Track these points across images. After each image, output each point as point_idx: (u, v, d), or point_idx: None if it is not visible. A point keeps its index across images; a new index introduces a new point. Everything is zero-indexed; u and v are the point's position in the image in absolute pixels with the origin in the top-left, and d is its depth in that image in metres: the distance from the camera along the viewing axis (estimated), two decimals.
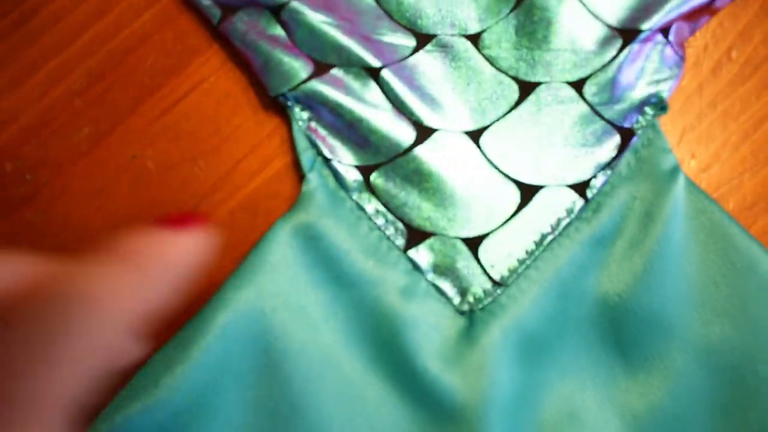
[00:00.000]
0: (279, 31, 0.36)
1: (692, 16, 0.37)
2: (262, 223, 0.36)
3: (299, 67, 0.35)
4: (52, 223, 0.35)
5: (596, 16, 0.36)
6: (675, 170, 0.35)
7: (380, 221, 0.35)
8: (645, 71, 0.36)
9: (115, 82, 0.37)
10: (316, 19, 0.35)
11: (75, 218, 0.36)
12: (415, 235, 0.35)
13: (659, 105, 0.36)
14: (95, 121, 0.36)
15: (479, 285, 0.35)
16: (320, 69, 0.35)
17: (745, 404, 0.33)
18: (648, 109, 0.36)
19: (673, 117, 0.38)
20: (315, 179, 0.35)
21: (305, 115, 0.36)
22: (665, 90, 0.36)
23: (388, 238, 0.35)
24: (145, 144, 0.36)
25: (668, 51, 0.37)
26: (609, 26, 0.36)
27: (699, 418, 0.33)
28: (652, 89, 0.36)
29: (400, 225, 0.35)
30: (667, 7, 0.36)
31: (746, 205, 0.38)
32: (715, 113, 0.39)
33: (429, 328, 0.34)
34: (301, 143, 0.36)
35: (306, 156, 0.35)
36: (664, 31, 0.37)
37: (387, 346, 0.34)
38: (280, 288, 0.33)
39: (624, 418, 0.33)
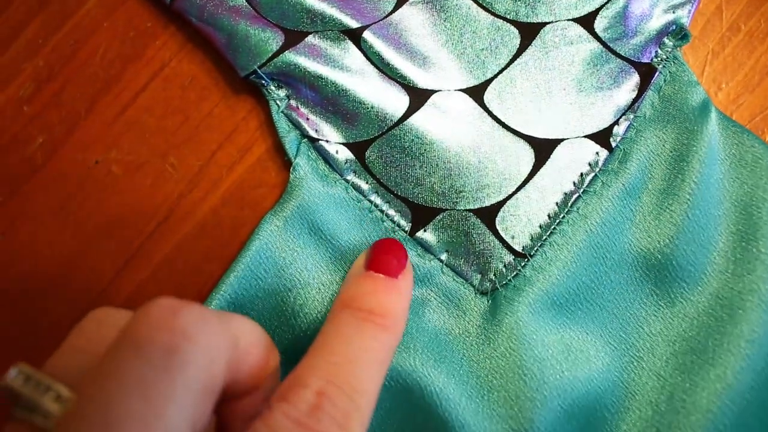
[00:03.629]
0: (241, 0, 0.32)
1: None
2: (250, 215, 0.32)
3: (268, 39, 0.31)
4: (17, 247, 0.32)
5: None
6: (705, 104, 0.32)
7: (380, 202, 0.31)
8: None
9: (67, 81, 0.33)
10: None
11: (41, 238, 0.32)
12: (422, 214, 0.31)
13: (679, 34, 0.32)
14: (49, 128, 0.32)
15: (499, 259, 0.31)
16: (292, 38, 0.31)
17: None
18: (667, 40, 0.32)
19: (692, 46, 0.34)
20: (303, 164, 0.31)
21: (283, 93, 0.32)
22: (684, 16, 0.32)
23: (392, 220, 0.31)
24: (107, 146, 0.32)
25: None
26: None
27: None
28: (670, 16, 0.32)
29: (403, 205, 0.31)
30: None
31: None
32: (739, 36, 0.35)
33: (448, 314, 0.31)
34: (283, 126, 0.32)
35: (290, 139, 0.32)
36: None
37: (406, 336, 0.30)
38: (278, 287, 0.30)
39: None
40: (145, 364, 0.19)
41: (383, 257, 0.27)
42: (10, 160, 0.32)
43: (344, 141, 0.32)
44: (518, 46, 0.32)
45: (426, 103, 0.31)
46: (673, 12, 0.32)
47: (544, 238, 0.31)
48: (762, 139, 0.32)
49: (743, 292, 0.30)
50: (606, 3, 0.32)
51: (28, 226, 0.32)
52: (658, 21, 0.32)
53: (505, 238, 0.31)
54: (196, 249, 0.32)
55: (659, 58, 0.32)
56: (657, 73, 0.32)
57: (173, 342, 0.19)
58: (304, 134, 0.32)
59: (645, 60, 0.32)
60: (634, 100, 0.32)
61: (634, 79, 0.32)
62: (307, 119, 0.32)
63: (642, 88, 0.32)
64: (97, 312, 0.22)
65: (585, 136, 0.31)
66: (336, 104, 0.31)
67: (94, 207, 0.32)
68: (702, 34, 0.35)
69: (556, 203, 0.31)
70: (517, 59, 0.32)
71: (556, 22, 0.32)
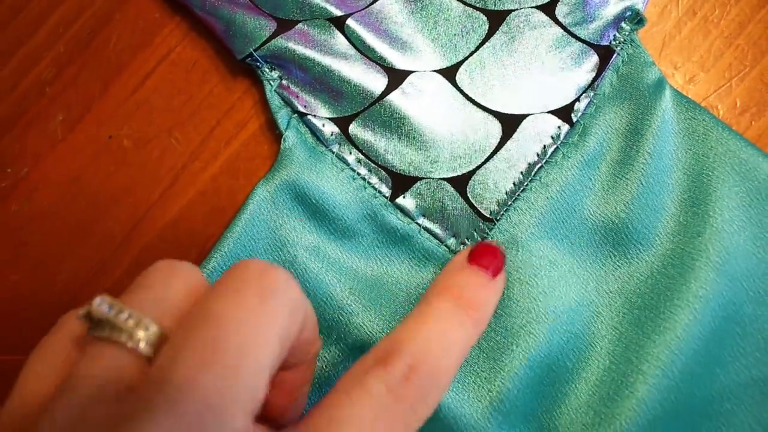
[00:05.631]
0: None
1: None
2: (245, 184, 0.35)
3: (262, 26, 0.35)
4: (37, 212, 0.35)
5: None
6: (660, 83, 0.34)
7: (363, 171, 0.34)
8: None
9: (84, 66, 0.37)
10: None
11: (59, 205, 0.35)
12: (401, 182, 0.34)
13: (635, 18, 0.35)
14: (68, 107, 0.36)
15: (470, 223, 0.34)
16: (284, 26, 0.35)
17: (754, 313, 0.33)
18: (624, 24, 0.35)
19: (651, 29, 0.37)
20: (292, 136, 0.34)
21: (275, 74, 0.35)
22: (639, 2, 0.35)
23: (374, 187, 0.34)
24: (119, 123, 0.36)
25: None
26: None
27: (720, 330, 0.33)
28: (626, 2, 0.35)
29: (384, 173, 0.34)
30: None
31: (738, 111, 0.37)
32: (694, 20, 0.38)
33: (425, 271, 0.34)
34: (275, 102, 0.35)
35: (281, 115, 0.35)
36: None
37: (387, 292, 0.33)
38: (270, 246, 0.33)
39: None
40: (240, 306, 0.20)
41: (486, 257, 0.29)
42: (34, 135, 0.36)
43: (330, 116, 0.35)
44: (487, 31, 0.35)
45: (403, 83, 0.35)
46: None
47: (509, 203, 0.34)
48: (713, 114, 0.35)
49: (692, 252, 0.33)
50: None
51: (49, 193, 0.36)
52: (615, 7, 0.35)
53: (474, 204, 0.34)
54: (197, 213, 0.35)
55: (617, 41, 0.35)
56: (615, 55, 0.35)
57: (265, 291, 0.21)
58: (294, 110, 0.35)
59: (604, 43, 0.35)
60: (594, 79, 0.35)
61: (594, 60, 0.35)
62: (297, 97, 0.35)
63: (601, 69, 0.35)
64: (159, 264, 0.23)
65: (548, 112, 0.35)
66: (323, 83, 0.35)
67: (107, 177, 0.36)
68: (660, 19, 0.38)
69: (521, 172, 0.34)
70: (486, 43, 0.35)
71: (521, 9, 0.35)
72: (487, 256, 0.29)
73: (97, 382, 0.19)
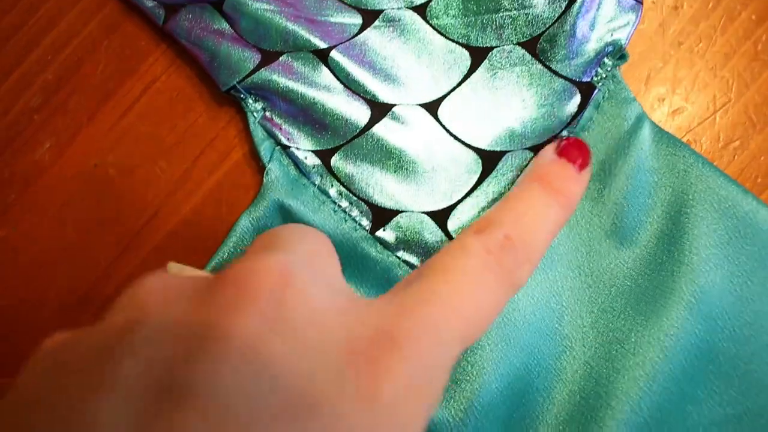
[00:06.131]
0: (223, 24, 0.35)
1: None
2: (227, 213, 0.36)
3: (247, 58, 0.35)
4: (25, 238, 0.36)
5: None
6: (640, 119, 0.35)
7: (344, 204, 0.35)
8: (599, 21, 0.35)
9: (72, 93, 0.37)
10: (259, 8, 0.35)
11: (46, 231, 0.36)
12: (381, 215, 0.35)
13: (618, 54, 0.35)
14: (56, 134, 0.37)
15: None
16: (268, 57, 0.35)
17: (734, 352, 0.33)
18: (607, 60, 0.35)
19: (637, 61, 0.37)
20: (276, 169, 0.35)
21: (259, 105, 0.36)
22: (623, 38, 0.35)
23: (354, 219, 0.35)
24: (105, 151, 0.37)
25: None
26: None
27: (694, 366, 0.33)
28: (609, 38, 0.35)
29: (365, 206, 0.35)
30: None
31: (721, 143, 0.37)
32: (679, 52, 0.38)
33: None
34: (258, 134, 0.35)
35: (264, 147, 0.35)
36: None
37: None
38: None
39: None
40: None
41: (574, 150, 0.31)
42: (22, 162, 0.37)
43: (313, 148, 0.35)
44: (469, 66, 0.35)
45: (386, 116, 0.35)
46: (612, 35, 0.35)
47: None
48: (695, 150, 0.35)
49: (666, 291, 0.33)
50: (549, 28, 0.35)
51: (35, 219, 0.36)
52: (597, 44, 0.35)
53: (454, 238, 0.35)
54: (181, 242, 0.36)
55: (599, 77, 0.35)
56: (596, 91, 0.35)
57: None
58: (277, 142, 0.35)
59: (586, 79, 0.35)
60: (574, 116, 0.35)
61: (575, 96, 0.35)
62: (281, 129, 0.35)
63: (582, 105, 0.35)
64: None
65: (527, 149, 0.35)
66: (306, 115, 0.35)
67: (93, 204, 0.36)
68: (646, 51, 0.38)
69: None
70: (468, 78, 0.35)
71: (503, 46, 0.35)
72: (576, 150, 0.31)
73: None
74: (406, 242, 0.35)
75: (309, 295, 0.20)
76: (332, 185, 0.35)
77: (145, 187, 0.36)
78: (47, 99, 0.37)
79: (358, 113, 0.35)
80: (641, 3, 0.36)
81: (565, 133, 0.35)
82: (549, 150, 0.32)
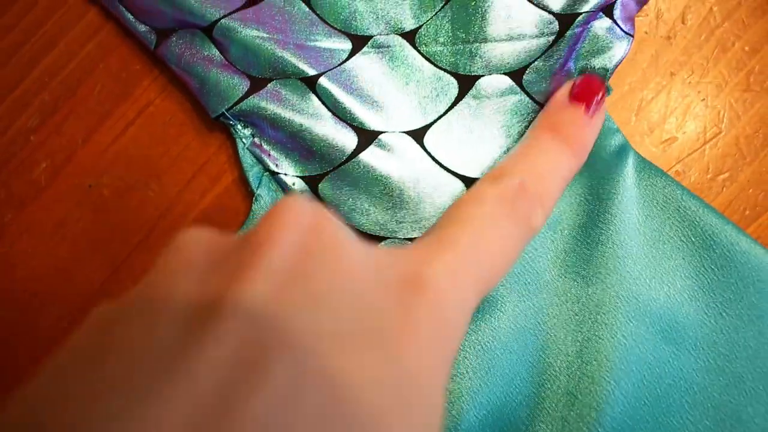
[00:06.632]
0: (213, 50, 0.36)
1: None
2: None
3: (236, 85, 0.36)
4: (21, 256, 0.37)
5: (533, 2, 0.35)
6: (623, 149, 0.35)
7: None
8: (587, 53, 0.35)
9: (68, 114, 0.38)
10: (249, 34, 0.35)
11: (42, 249, 0.37)
12: (367, 240, 0.35)
13: None
14: (52, 155, 0.38)
15: None
16: (257, 84, 0.36)
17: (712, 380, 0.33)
18: None
19: (628, 90, 0.38)
20: (265, 195, 0.36)
21: (248, 132, 0.36)
22: (609, 68, 0.35)
23: None
24: (99, 172, 0.37)
25: (613, 29, 0.35)
26: (546, 11, 0.35)
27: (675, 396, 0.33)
28: (595, 71, 0.35)
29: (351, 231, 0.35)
30: None
31: (710, 175, 0.37)
32: (672, 82, 0.38)
33: None
34: (247, 160, 0.36)
35: (253, 173, 0.36)
36: (607, 9, 0.35)
37: None
38: None
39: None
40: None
41: (586, 94, 0.32)
42: (19, 182, 0.38)
43: (301, 174, 0.36)
44: (456, 95, 0.36)
45: (373, 143, 0.36)
46: (598, 66, 0.35)
47: None
48: (679, 181, 0.35)
49: (643, 320, 0.34)
50: (536, 59, 0.35)
51: (31, 238, 0.37)
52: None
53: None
54: None
55: None
56: None
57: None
58: (266, 168, 0.36)
59: None
60: None
61: None
62: (269, 155, 0.36)
63: None
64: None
65: None
66: (294, 142, 0.36)
67: (87, 224, 0.37)
68: (639, 80, 0.38)
69: None
70: (455, 107, 0.36)
71: (490, 75, 0.36)
72: (588, 94, 0.32)
73: None
74: None
75: (341, 231, 0.21)
76: None
77: (138, 209, 0.37)
78: (44, 120, 0.38)
79: (345, 140, 0.36)
80: (631, 36, 0.36)
81: None
82: (562, 93, 0.33)
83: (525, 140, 0.31)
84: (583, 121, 0.31)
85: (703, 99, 0.37)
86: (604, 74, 0.35)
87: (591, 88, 0.32)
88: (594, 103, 0.32)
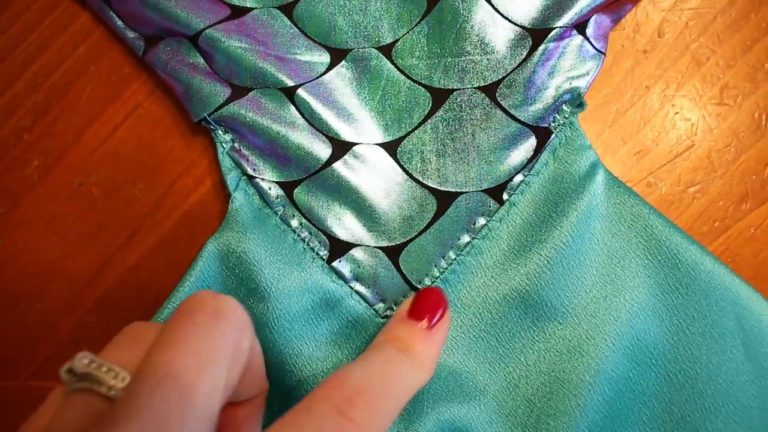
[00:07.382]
0: (198, 58, 0.37)
1: (612, 7, 0.37)
2: (200, 237, 0.38)
3: (217, 92, 0.37)
4: (13, 250, 0.39)
5: (506, 18, 0.36)
6: (593, 167, 0.36)
7: (304, 234, 0.37)
8: (559, 69, 0.36)
9: (60, 115, 0.40)
10: (232, 45, 0.37)
11: (33, 244, 0.39)
12: (338, 247, 0.37)
13: (576, 102, 0.36)
14: (43, 153, 0.39)
15: (400, 291, 0.36)
16: (238, 92, 0.37)
17: (672, 396, 0.34)
18: (565, 107, 0.36)
19: (602, 102, 0.38)
20: (240, 198, 0.37)
21: (228, 137, 0.37)
22: (582, 86, 0.36)
23: (312, 249, 0.37)
24: (89, 171, 0.39)
25: (584, 46, 0.36)
26: (519, 26, 0.36)
27: (632, 408, 0.35)
28: (568, 86, 0.36)
29: (323, 237, 0.37)
30: (579, 4, 0.35)
31: (681, 187, 0.38)
32: (646, 95, 0.38)
33: (350, 332, 0.36)
34: (226, 164, 0.37)
35: (231, 176, 0.37)
36: (580, 26, 0.36)
37: (313, 348, 0.36)
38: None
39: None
40: (193, 326, 0.22)
41: (425, 308, 0.32)
42: (12, 178, 0.39)
43: (277, 180, 0.37)
44: (430, 108, 0.37)
45: (347, 154, 0.37)
46: (571, 83, 0.36)
47: (438, 276, 0.36)
48: (645, 200, 0.36)
49: (608, 335, 0.35)
50: (509, 74, 0.36)
51: (23, 233, 0.39)
52: (556, 91, 0.36)
53: (405, 273, 0.36)
54: (156, 260, 0.39)
55: (557, 123, 0.36)
56: (553, 136, 0.36)
57: (215, 312, 0.23)
58: (243, 172, 0.37)
59: (543, 125, 0.36)
60: (530, 160, 0.36)
61: (531, 141, 0.36)
62: (247, 160, 0.37)
63: (538, 149, 0.36)
64: (129, 327, 0.26)
65: (481, 191, 0.36)
66: (271, 148, 0.37)
67: (76, 221, 0.39)
68: (615, 91, 0.38)
69: (451, 246, 0.36)
70: (428, 120, 0.37)
71: (464, 89, 0.36)
72: (427, 307, 0.32)
73: (76, 423, 0.21)
74: (360, 274, 0.36)
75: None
76: (294, 216, 0.37)
77: (126, 208, 0.39)
78: (37, 119, 0.40)
79: (320, 149, 0.37)
80: (603, 53, 0.36)
81: (519, 177, 0.36)
82: (402, 309, 0.32)
83: (366, 350, 0.30)
84: (421, 336, 0.31)
85: (677, 112, 0.38)
86: (579, 91, 0.36)
87: (431, 298, 0.32)
88: (433, 312, 0.32)
